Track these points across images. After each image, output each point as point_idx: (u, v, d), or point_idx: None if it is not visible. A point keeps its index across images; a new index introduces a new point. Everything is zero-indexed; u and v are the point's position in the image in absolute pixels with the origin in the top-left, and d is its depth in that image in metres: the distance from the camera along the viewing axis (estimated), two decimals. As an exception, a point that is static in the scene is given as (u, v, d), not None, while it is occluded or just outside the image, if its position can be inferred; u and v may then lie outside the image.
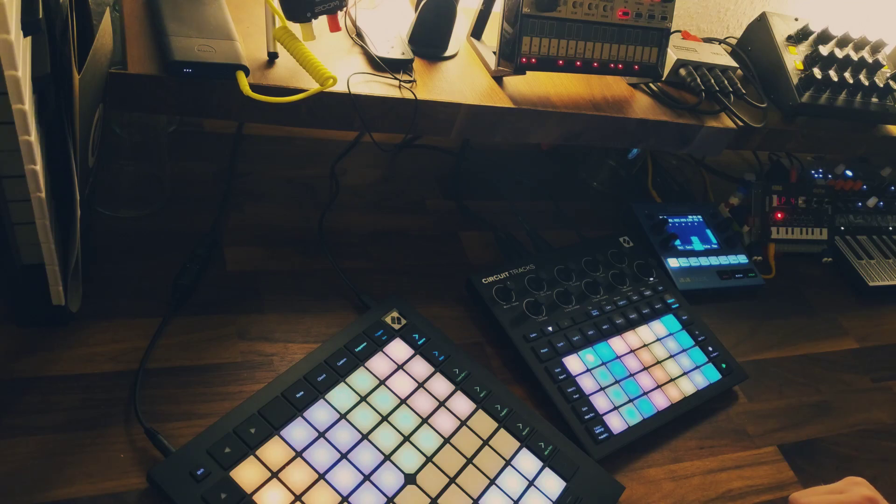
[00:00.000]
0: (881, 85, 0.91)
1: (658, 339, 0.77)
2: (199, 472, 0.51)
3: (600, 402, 0.69)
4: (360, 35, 0.72)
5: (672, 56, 0.84)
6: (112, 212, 0.71)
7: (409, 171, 0.91)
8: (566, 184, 1.01)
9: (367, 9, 0.75)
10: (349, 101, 0.65)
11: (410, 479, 0.57)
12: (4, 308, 0.58)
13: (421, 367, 0.65)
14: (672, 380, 0.74)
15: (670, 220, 0.93)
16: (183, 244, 0.69)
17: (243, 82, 0.59)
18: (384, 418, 0.60)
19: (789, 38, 0.93)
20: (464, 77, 0.74)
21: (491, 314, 0.72)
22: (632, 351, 0.75)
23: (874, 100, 0.93)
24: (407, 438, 0.59)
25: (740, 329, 0.87)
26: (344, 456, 0.56)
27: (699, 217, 0.96)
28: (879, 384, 0.87)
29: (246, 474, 0.53)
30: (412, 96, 0.68)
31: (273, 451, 0.55)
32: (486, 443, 0.61)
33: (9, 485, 0.50)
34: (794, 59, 0.91)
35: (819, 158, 1.14)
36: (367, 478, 0.56)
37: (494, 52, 0.74)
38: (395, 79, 0.69)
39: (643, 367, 0.74)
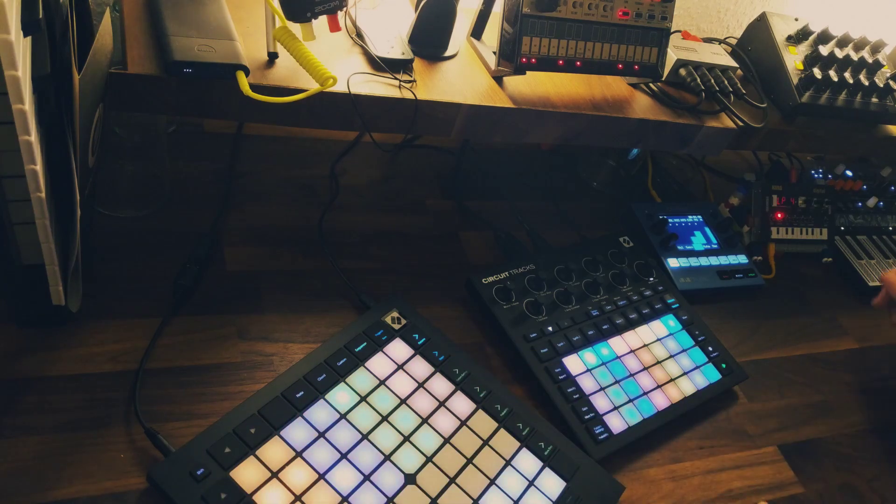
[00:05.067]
0: (881, 85, 0.91)
1: (658, 339, 0.77)
2: (199, 472, 0.51)
3: (600, 402, 0.69)
4: (360, 35, 0.72)
5: (672, 56, 0.84)
6: (112, 212, 0.71)
7: (409, 171, 0.91)
8: (566, 184, 1.01)
9: (367, 9, 0.75)
10: (349, 101, 0.65)
11: (410, 479, 0.57)
12: (4, 308, 0.58)
13: (421, 367, 0.65)
14: (672, 380, 0.74)
15: (670, 220, 0.93)
16: (183, 244, 0.69)
17: (243, 82, 0.59)
18: (384, 418, 0.60)
19: (789, 38, 0.93)
20: (464, 77, 0.74)
21: (491, 314, 0.72)
22: (632, 351, 0.75)
23: (874, 100, 0.93)
24: (407, 438, 0.59)
25: (740, 329, 0.87)
26: (344, 456, 0.56)
27: (699, 217, 0.96)
28: (879, 384, 0.87)
29: (246, 474, 0.53)
30: (412, 96, 0.68)
31: (273, 451, 0.55)
32: (486, 443, 0.61)
33: (9, 485, 0.50)
34: (794, 59, 0.91)
35: (819, 158, 1.14)
36: (367, 478, 0.56)
37: (494, 52, 0.74)
38: (395, 79, 0.69)
39: (643, 367, 0.74)
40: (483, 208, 0.89)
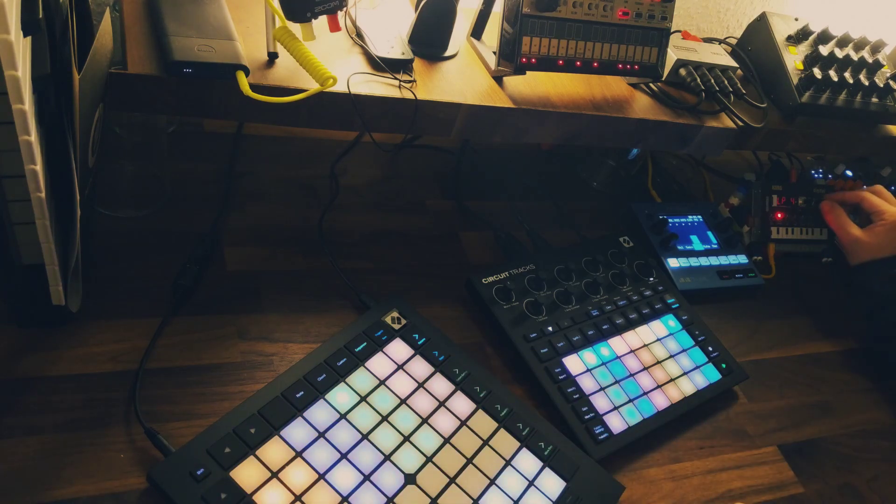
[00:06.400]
0: (881, 85, 0.91)
1: (658, 339, 0.77)
2: (199, 472, 0.51)
3: (600, 402, 0.69)
4: (360, 35, 0.72)
5: (672, 56, 0.84)
6: (112, 212, 0.71)
7: (409, 171, 0.91)
8: (566, 184, 1.01)
9: (367, 9, 0.75)
10: (349, 101, 0.65)
11: (410, 479, 0.57)
12: (4, 308, 0.58)
13: (421, 367, 0.65)
14: (672, 380, 0.74)
15: (670, 220, 0.93)
16: (183, 244, 0.69)
17: (243, 82, 0.59)
18: (384, 418, 0.60)
19: (789, 38, 0.93)
20: (464, 77, 0.74)
21: (491, 314, 0.72)
22: (632, 351, 0.75)
23: (874, 100, 0.93)
24: (407, 438, 0.59)
25: (740, 329, 0.87)
26: (344, 456, 0.56)
27: (699, 217, 0.96)
28: (879, 384, 0.87)
29: (246, 474, 0.53)
30: (412, 96, 0.68)
31: (273, 451, 0.55)
32: (486, 443, 0.61)
33: (9, 485, 0.50)
34: (794, 59, 0.91)
35: (819, 158, 1.14)
36: (367, 478, 0.56)
37: (494, 52, 0.74)
38: (395, 79, 0.69)
39: (643, 367, 0.74)
40: (483, 208, 0.89)
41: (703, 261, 0.90)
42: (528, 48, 0.70)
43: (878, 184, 1.04)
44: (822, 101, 0.89)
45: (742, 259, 0.93)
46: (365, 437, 0.58)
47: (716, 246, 0.93)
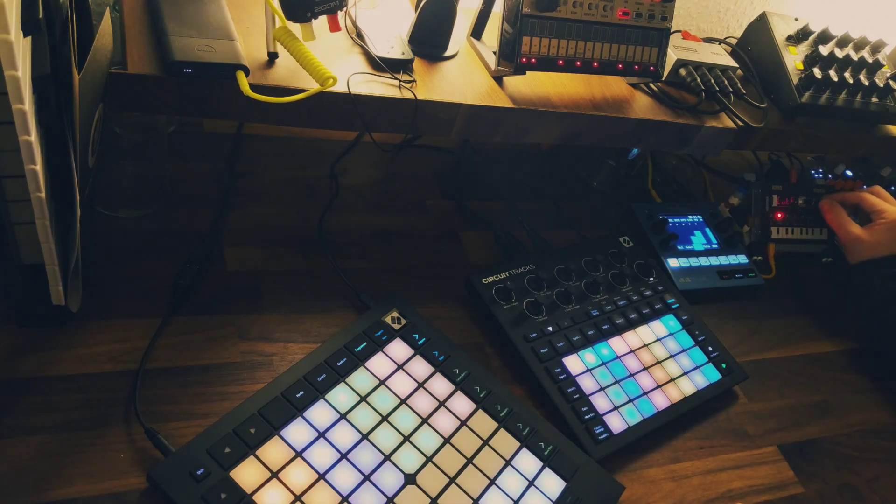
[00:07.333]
0: (881, 85, 0.91)
1: (658, 339, 0.77)
2: (199, 472, 0.51)
3: (600, 402, 0.69)
4: (360, 35, 0.72)
5: (672, 56, 0.84)
6: (112, 212, 0.71)
7: (409, 171, 0.91)
8: (566, 184, 1.01)
9: (367, 9, 0.75)
10: (349, 101, 0.65)
11: (410, 479, 0.57)
12: (4, 308, 0.58)
13: (421, 367, 0.65)
14: (672, 380, 0.74)
15: (670, 220, 0.93)
16: (183, 244, 0.69)
17: (243, 82, 0.59)
18: (384, 418, 0.60)
19: (789, 38, 0.93)
20: (464, 77, 0.74)
21: (491, 314, 0.72)
22: (632, 351, 0.75)
23: (874, 100, 0.93)
24: (407, 438, 0.59)
25: (740, 329, 0.87)
26: (344, 456, 0.56)
27: (699, 217, 0.96)
28: (879, 384, 0.87)
29: (246, 474, 0.53)
30: (412, 96, 0.68)
31: (273, 451, 0.55)
32: (486, 443, 0.61)
33: (9, 485, 0.50)
34: (794, 59, 0.91)
35: (819, 158, 1.14)
36: (367, 478, 0.56)
37: (494, 52, 0.74)
38: (395, 79, 0.69)
39: (643, 367, 0.74)
40: (483, 208, 0.89)
41: (703, 261, 0.91)
42: (528, 48, 0.70)
43: (877, 184, 1.04)
44: (822, 101, 0.89)
45: (742, 259, 0.93)
46: (365, 437, 0.58)
47: (716, 246, 0.93)
